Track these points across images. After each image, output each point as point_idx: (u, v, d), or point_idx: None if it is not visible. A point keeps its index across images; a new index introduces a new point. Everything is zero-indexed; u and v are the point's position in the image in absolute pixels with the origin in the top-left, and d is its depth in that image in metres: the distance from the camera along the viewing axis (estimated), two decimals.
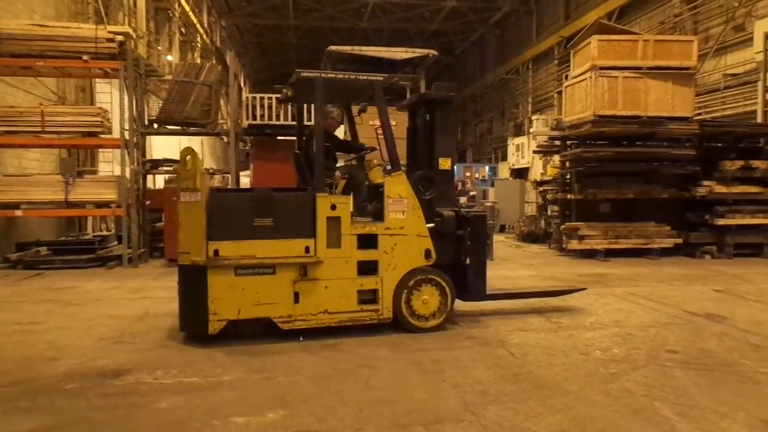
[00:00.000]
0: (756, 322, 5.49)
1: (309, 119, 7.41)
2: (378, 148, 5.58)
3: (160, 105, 10.96)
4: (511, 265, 9.74)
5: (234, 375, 4.04)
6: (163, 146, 13.95)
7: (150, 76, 11.54)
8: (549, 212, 14.39)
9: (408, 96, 11.47)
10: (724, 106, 13.67)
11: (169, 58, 20.89)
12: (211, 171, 13.88)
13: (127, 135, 9.74)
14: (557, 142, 12.33)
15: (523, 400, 3.56)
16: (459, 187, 17.23)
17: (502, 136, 27.88)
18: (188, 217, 4.73)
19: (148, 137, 11.57)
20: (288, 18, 27.54)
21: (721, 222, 10.19)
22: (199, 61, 22.85)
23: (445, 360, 4.37)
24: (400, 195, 5.14)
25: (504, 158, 24.51)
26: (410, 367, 4.21)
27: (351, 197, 5.35)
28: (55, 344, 4.82)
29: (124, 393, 3.70)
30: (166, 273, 8.91)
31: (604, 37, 10.06)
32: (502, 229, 16.75)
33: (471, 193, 18.00)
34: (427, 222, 5.24)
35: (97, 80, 12.62)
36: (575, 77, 10.78)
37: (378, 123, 5.27)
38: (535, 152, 16.75)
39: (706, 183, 10.30)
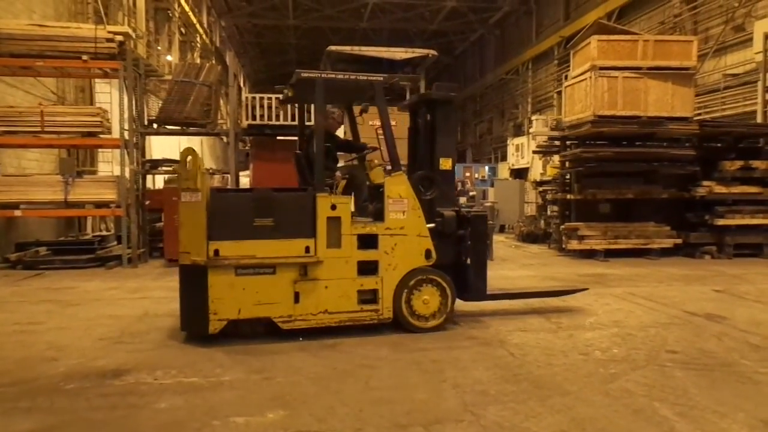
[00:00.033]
0: (756, 323, 5.49)
1: (310, 119, 7.41)
2: (379, 148, 5.59)
3: (160, 105, 10.97)
4: (510, 265, 9.75)
5: (234, 375, 4.04)
6: (163, 146, 13.95)
7: (149, 76, 11.54)
8: (548, 212, 14.40)
9: (408, 96, 11.51)
10: (724, 107, 13.68)
11: (169, 58, 20.89)
12: (210, 171, 13.87)
13: (126, 135, 9.73)
14: (557, 143, 12.33)
15: (523, 400, 3.56)
16: (458, 188, 17.24)
17: (501, 137, 27.89)
18: (189, 217, 4.74)
19: (147, 137, 11.57)
20: (288, 18, 27.54)
21: (721, 222, 10.19)
22: (198, 61, 22.85)
23: (445, 360, 4.37)
24: (400, 195, 5.14)
25: (504, 158, 24.52)
26: (410, 368, 4.21)
27: (351, 197, 5.35)
28: (54, 344, 4.82)
29: (123, 393, 3.70)
30: (165, 273, 8.91)
31: (604, 37, 10.06)
32: (501, 230, 16.75)
33: (471, 194, 18.00)
34: (428, 222, 5.24)
35: (96, 80, 12.61)
36: (575, 77, 10.78)
37: (378, 123, 5.27)
38: (534, 152, 16.76)
39: (705, 183, 10.30)
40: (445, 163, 5.42)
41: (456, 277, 5.34)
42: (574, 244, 10.41)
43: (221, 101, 14.23)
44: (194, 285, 4.73)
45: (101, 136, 9.83)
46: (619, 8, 18.11)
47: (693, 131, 10.29)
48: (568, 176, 11.66)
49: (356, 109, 6.02)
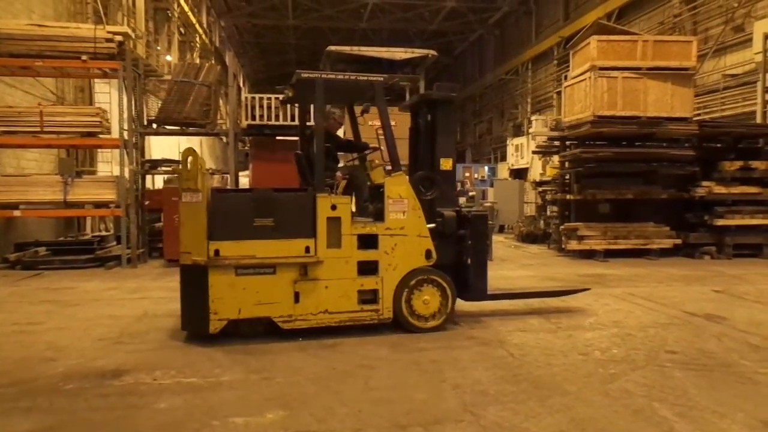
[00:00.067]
0: (755, 323, 5.49)
1: (311, 120, 7.42)
2: (380, 148, 5.59)
3: (159, 105, 10.96)
4: (510, 265, 9.75)
5: (233, 375, 4.04)
6: (162, 146, 13.95)
7: (149, 76, 11.53)
8: (548, 213, 14.41)
9: (408, 96, 11.52)
10: (724, 107, 13.68)
11: (168, 58, 20.89)
12: (210, 171, 13.86)
13: (126, 135, 9.73)
14: (556, 143, 12.33)
15: (523, 400, 3.56)
16: (458, 188, 17.22)
17: (501, 137, 27.89)
18: (189, 217, 4.75)
19: (147, 137, 11.56)
20: (287, 18, 27.54)
21: (721, 222, 10.19)
22: (198, 61, 22.84)
23: (445, 360, 4.36)
24: (400, 195, 5.15)
25: (503, 158, 24.52)
26: (410, 368, 4.21)
27: (351, 197, 5.35)
28: (53, 345, 4.81)
29: (122, 393, 3.70)
30: (165, 273, 8.91)
31: (604, 37, 10.07)
32: (501, 230, 16.75)
33: (470, 194, 17.99)
34: (428, 222, 5.24)
35: (96, 80, 12.62)
36: (574, 78, 10.78)
37: (378, 123, 5.27)
38: (534, 153, 16.76)
39: (705, 183, 10.30)
40: (446, 164, 5.42)
41: (456, 277, 5.34)
42: (573, 245, 10.41)
43: (221, 101, 14.24)
44: (195, 285, 4.74)
45: (100, 136, 9.83)
46: (618, 8, 18.11)
47: (692, 131, 10.29)
48: (567, 176, 11.66)
49: (357, 110, 6.02)
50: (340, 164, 6.05)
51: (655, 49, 9.94)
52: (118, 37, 9.49)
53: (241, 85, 33.60)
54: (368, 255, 5.07)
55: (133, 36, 11.27)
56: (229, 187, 11.01)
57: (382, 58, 11.05)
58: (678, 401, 3.54)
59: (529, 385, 3.82)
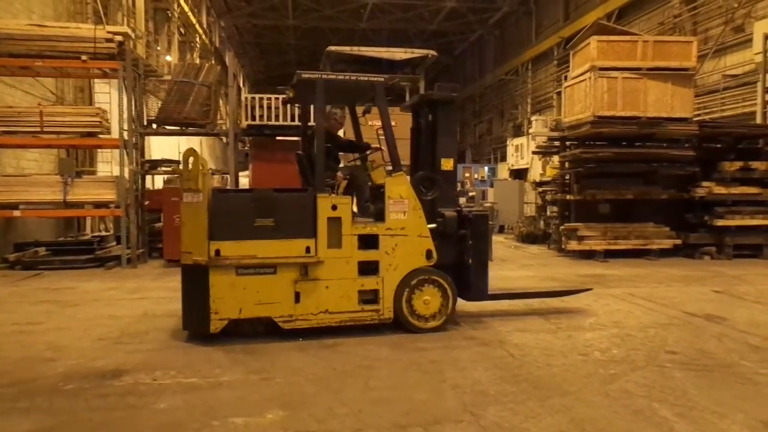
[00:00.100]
0: (755, 323, 5.49)
1: (312, 120, 7.42)
2: (380, 148, 5.60)
3: (159, 105, 10.96)
4: (510, 265, 9.75)
5: (233, 376, 4.04)
6: (162, 146, 13.96)
7: (149, 77, 11.53)
8: (548, 213, 14.40)
9: (408, 96, 11.52)
10: (724, 107, 13.68)
11: (168, 58, 20.88)
12: (211, 171, 13.86)
13: (125, 135, 9.73)
14: (556, 143, 12.33)
15: (522, 400, 3.56)
16: (458, 188, 17.21)
17: (501, 137, 27.89)
18: (190, 217, 4.76)
19: (147, 137, 11.57)
20: (287, 18, 27.54)
21: (720, 223, 10.19)
22: (198, 61, 22.84)
23: (445, 360, 4.36)
24: (401, 195, 5.15)
25: (503, 159, 24.52)
26: (410, 368, 4.21)
27: (351, 198, 5.35)
28: (53, 345, 4.81)
29: (122, 394, 3.70)
30: (165, 273, 8.91)
31: (604, 37, 10.07)
32: (501, 230, 16.75)
33: (470, 194, 18.00)
34: (429, 222, 5.24)
35: (95, 80, 12.62)
36: (574, 78, 10.78)
37: (378, 123, 5.28)
38: (534, 153, 16.76)
39: (705, 184, 10.30)
40: (447, 164, 5.42)
41: (457, 276, 5.35)
42: (573, 245, 10.41)
43: (221, 101, 14.24)
44: (196, 285, 4.75)
45: (100, 136, 9.83)
46: (618, 9, 18.12)
47: (692, 132, 10.29)
48: (567, 177, 11.66)
49: (359, 110, 6.02)
50: (342, 164, 6.05)
51: (655, 50, 9.94)
52: (118, 37, 9.49)
53: (241, 85, 33.62)
54: (369, 255, 5.07)
55: (133, 36, 11.27)
56: (229, 188, 11.01)
57: (382, 59, 11.05)
58: (678, 402, 3.54)
59: (528, 386, 3.82)
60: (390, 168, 5.35)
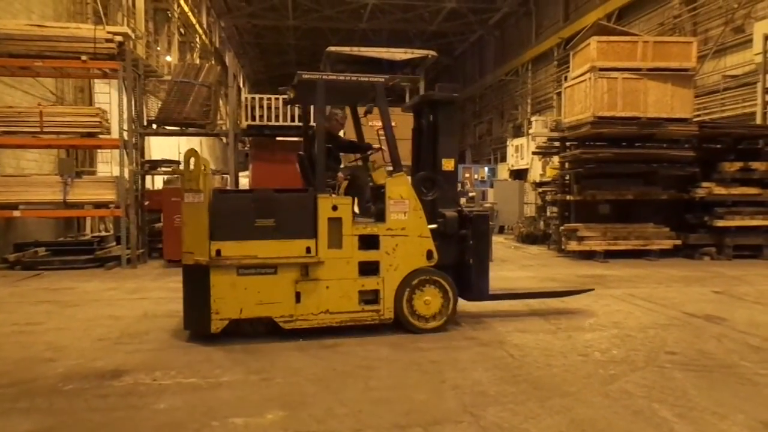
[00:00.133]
0: (755, 324, 5.49)
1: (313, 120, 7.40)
2: (381, 148, 5.60)
3: (159, 105, 10.96)
4: (510, 266, 9.75)
5: (233, 376, 4.03)
6: (162, 147, 13.96)
7: (149, 77, 11.53)
8: (548, 213, 14.40)
9: (408, 97, 11.52)
10: (724, 108, 13.69)
11: (168, 58, 20.89)
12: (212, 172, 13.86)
13: (125, 135, 9.73)
14: (556, 144, 12.33)
15: (522, 401, 3.56)
16: (458, 188, 17.18)
17: (501, 137, 27.90)
18: (191, 217, 4.78)
19: (146, 138, 11.57)
20: (287, 19, 27.54)
21: (720, 223, 10.19)
22: (198, 61, 22.85)
23: (444, 361, 4.36)
24: (401, 196, 5.15)
25: (503, 159, 24.53)
26: (410, 368, 4.21)
27: (352, 198, 5.35)
28: (53, 345, 4.81)
29: (122, 394, 3.70)
30: (164, 274, 8.91)
31: (604, 38, 10.07)
32: (501, 231, 16.75)
33: (470, 194, 18.01)
34: (431, 223, 5.25)
35: (95, 81, 12.61)
36: (574, 78, 10.79)
37: (378, 124, 5.28)
38: (534, 153, 16.76)
39: (705, 184, 10.30)
40: (448, 164, 5.42)
41: (458, 276, 5.35)
42: (573, 245, 10.41)
43: (221, 102, 14.23)
44: (197, 284, 4.76)
45: (100, 136, 9.83)
46: (618, 9, 18.13)
47: (692, 132, 10.29)
48: (567, 177, 11.66)
49: (360, 110, 6.03)
50: (343, 165, 6.05)
51: (655, 50, 9.95)
52: (118, 38, 9.49)
53: (241, 85, 33.63)
54: (369, 255, 5.08)
55: (133, 36, 11.27)
56: (229, 188, 11.01)
57: (382, 59, 11.04)
58: (678, 402, 3.54)
59: (528, 386, 3.82)
60: (391, 168, 5.36)
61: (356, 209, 5.55)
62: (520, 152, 20.76)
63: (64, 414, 3.40)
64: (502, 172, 22.93)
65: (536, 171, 18.27)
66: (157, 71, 12.88)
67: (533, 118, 21.63)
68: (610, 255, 10.22)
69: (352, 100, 6.14)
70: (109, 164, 12.71)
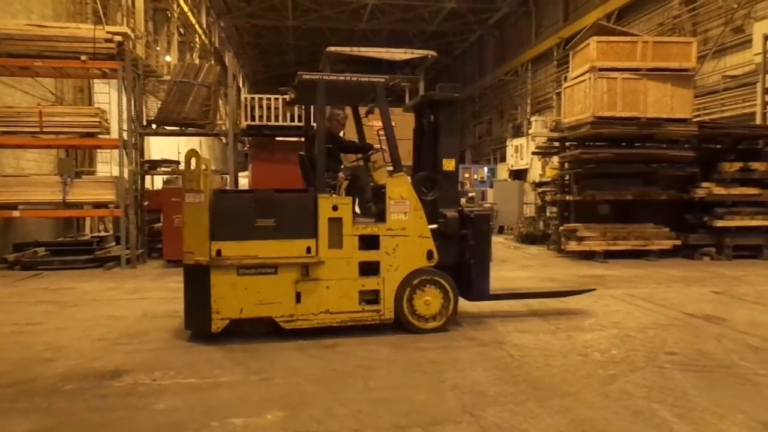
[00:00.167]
0: (755, 324, 5.49)
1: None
2: (381, 148, 5.60)
3: (159, 105, 10.95)
4: (510, 266, 9.75)
5: (232, 376, 4.03)
6: (162, 147, 13.95)
7: (148, 77, 11.53)
8: (548, 213, 14.40)
9: (407, 97, 11.52)
10: (723, 108, 13.70)
11: (168, 58, 20.89)
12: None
13: (125, 135, 9.72)
14: (556, 144, 12.34)
15: (522, 401, 3.56)
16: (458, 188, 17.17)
17: (500, 138, 27.90)
18: (192, 217, 4.79)
19: (146, 138, 11.55)
20: (287, 19, 27.55)
21: (720, 224, 10.19)
22: (197, 61, 22.84)
23: (444, 361, 4.36)
24: (401, 196, 5.16)
25: (503, 159, 24.53)
26: (409, 368, 4.21)
27: (353, 198, 5.35)
28: (52, 345, 4.80)
29: (122, 394, 3.69)
30: (164, 274, 8.90)
31: (603, 38, 10.07)
32: (500, 231, 16.76)
33: (470, 195, 18.02)
34: (431, 223, 5.25)
35: (95, 81, 12.61)
36: (574, 78, 10.79)
37: (378, 124, 5.28)
38: (533, 153, 16.77)
39: (705, 185, 10.30)
40: (448, 164, 5.42)
41: (459, 276, 5.35)
42: (573, 246, 10.41)
43: (220, 102, 14.23)
44: (197, 284, 4.77)
45: (100, 136, 9.82)
46: (618, 9, 18.14)
47: (692, 133, 10.29)
48: (567, 177, 11.66)
49: (362, 111, 6.03)
50: (343, 165, 6.05)
51: (654, 50, 9.95)
52: (118, 38, 9.48)
53: (241, 85, 33.63)
54: (370, 255, 5.08)
55: (132, 36, 11.27)
56: (229, 188, 11.00)
57: (381, 59, 11.03)
58: (677, 402, 3.54)
59: (528, 386, 3.82)
60: (391, 168, 5.36)
61: (357, 209, 5.55)
62: (520, 152, 20.76)
63: (64, 414, 3.39)
64: (502, 172, 22.93)
65: (536, 171, 18.27)
66: (156, 71, 12.88)
67: (533, 118, 21.64)
68: (609, 255, 10.22)
69: (352, 101, 6.14)
70: (108, 164, 12.71)
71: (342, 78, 5.38)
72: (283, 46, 33.29)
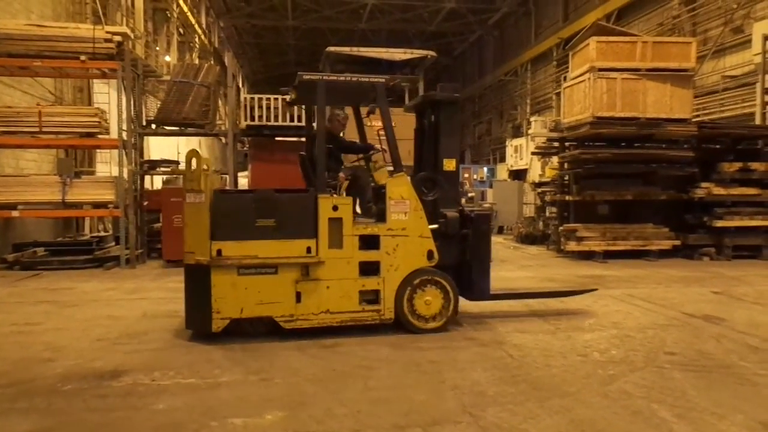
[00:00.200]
0: (754, 324, 5.49)
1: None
2: (382, 149, 5.60)
3: (158, 105, 10.95)
4: (509, 266, 9.75)
5: (232, 376, 4.03)
6: (161, 147, 13.94)
7: (148, 77, 11.53)
8: (547, 214, 14.40)
9: (407, 97, 11.52)
10: (723, 108, 13.70)
11: (167, 58, 20.88)
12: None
13: (125, 135, 9.72)
14: (556, 144, 12.34)
15: (521, 401, 3.56)
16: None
17: (500, 138, 27.91)
18: (193, 217, 4.80)
19: (145, 138, 11.55)
20: (286, 19, 27.54)
21: (720, 224, 10.19)
22: (197, 61, 22.84)
23: (444, 361, 4.36)
24: (402, 196, 5.16)
25: (502, 159, 24.54)
26: (409, 368, 4.21)
27: (353, 198, 5.36)
28: (52, 345, 4.80)
29: (121, 394, 3.69)
30: (163, 274, 8.90)
31: (603, 38, 10.08)
32: (500, 231, 16.76)
33: (469, 195, 18.02)
34: (432, 223, 5.25)
35: (94, 80, 12.60)
36: (574, 79, 10.79)
37: (378, 124, 5.28)
38: (533, 154, 16.77)
39: (704, 185, 10.31)
40: (449, 164, 5.42)
41: (459, 276, 5.35)
42: (572, 246, 10.41)
43: (220, 102, 14.23)
44: (198, 284, 4.78)
45: (99, 136, 9.82)
46: (617, 10, 18.14)
47: (692, 133, 10.30)
48: (566, 177, 11.66)
49: (363, 111, 6.03)
50: (344, 165, 6.05)
51: (654, 51, 9.95)
52: (117, 38, 9.48)
53: (240, 85, 33.61)
54: (370, 255, 5.08)
55: (132, 36, 11.27)
56: (229, 188, 10.99)
57: (381, 59, 11.03)
58: (677, 402, 3.54)
59: (527, 387, 3.82)
60: (392, 168, 5.36)
61: (358, 209, 5.55)
62: (520, 152, 20.76)
63: (63, 414, 3.39)
64: (502, 172, 22.93)
65: (535, 171, 18.28)
66: (156, 71, 12.88)
67: (532, 119, 21.64)
68: (609, 255, 10.22)
69: (353, 101, 6.14)
70: (108, 164, 12.71)
71: (342, 78, 5.38)
72: (282, 47, 33.28)
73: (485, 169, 24.55)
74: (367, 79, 5.29)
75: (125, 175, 9.64)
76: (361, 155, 6.07)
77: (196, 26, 24.19)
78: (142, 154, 10.88)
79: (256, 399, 3.62)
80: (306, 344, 4.76)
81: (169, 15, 20.80)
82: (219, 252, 4.73)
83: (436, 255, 5.21)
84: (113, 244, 10.78)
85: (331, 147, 5.51)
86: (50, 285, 7.94)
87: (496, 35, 29.82)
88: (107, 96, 12.29)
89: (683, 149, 10.61)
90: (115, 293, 7.29)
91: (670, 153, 10.55)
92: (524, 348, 4.73)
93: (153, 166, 11.24)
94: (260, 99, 10.91)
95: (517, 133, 23.00)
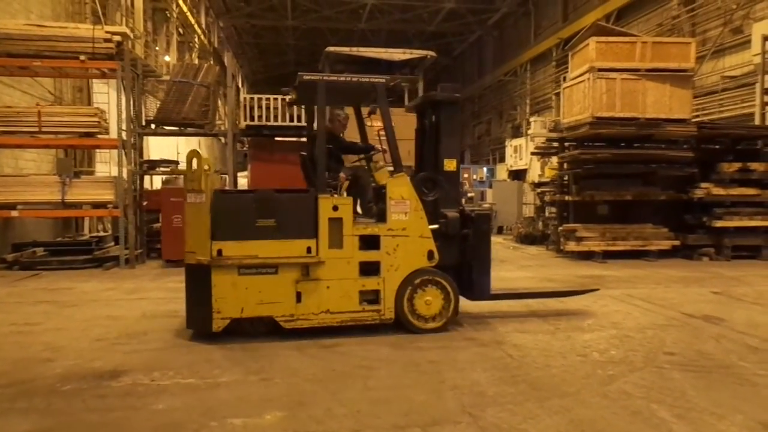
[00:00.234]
0: (754, 324, 5.49)
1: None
2: (383, 149, 5.60)
3: (158, 105, 10.95)
4: (509, 266, 9.75)
5: (231, 376, 4.03)
6: (161, 147, 13.94)
7: (147, 77, 11.52)
8: (547, 214, 14.41)
9: (406, 97, 11.52)
10: (722, 108, 13.71)
11: (167, 58, 20.87)
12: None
13: (124, 135, 9.71)
14: (555, 144, 12.35)
15: (521, 401, 3.56)
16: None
17: (500, 138, 27.91)
18: (193, 217, 4.82)
19: (145, 138, 11.55)
20: (286, 19, 27.54)
21: (719, 224, 10.20)
22: (196, 61, 22.83)
23: (444, 361, 4.36)
24: (402, 196, 5.16)
25: (502, 160, 24.54)
26: (409, 368, 4.21)
27: (353, 198, 5.36)
28: (51, 345, 4.80)
29: (120, 394, 3.69)
30: (163, 274, 8.90)
31: (602, 38, 10.08)
32: (500, 231, 16.77)
33: (469, 195, 18.02)
34: (432, 223, 5.25)
35: (94, 80, 12.60)
36: (573, 79, 10.79)
37: (379, 124, 5.28)
38: (533, 154, 16.77)
39: (703, 185, 10.31)
40: (450, 164, 5.42)
41: (460, 276, 5.35)
42: (572, 246, 10.41)
43: (219, 102, 14.23)
44: (199, 284, 4.79)
45: (99, 136, 9.81)
46: (617, 10, 18.15)
47: (691, 133, 10.30)
48: (566, 178, 11.67)
49: (364, 111, 6.03)
50: (345, 165, 6.05)
51: (653, 51, 9.96)
52: (117, 38, 9.47)
53: (240, 85, 33.60)
54: (370, 256, 5.09)
55: (131, 36, 11.26)
56: (228, 188, 10.99)
57: (380, 59, 11.03)
58: (676, 403, 3.54)
59: (527, 387, 3.82)
60: (392, 168, 5.36)
61: (359, 209, 5.55)
62: (519, 153, 20.77)
63: (62, 414, 3.39)
64: (501, 172, 22.94)
65: (535, 171, 18.28)
66: (155, 71, 12.87)
67: (532, 119, 21.65)
68: (608, 255, 10.22)
69: (353, 101, 6.15)
70: (107, 164, 12.70)
71: (343, 78, 5.38)
72: (282, 47, 33.28)
73: (485, 169, 24.55)
74: (367, 80, 5.30)
75: (125, 175, 9.63)
76: (361, 155, 6.07)
77: (196, 26, 24.19)
78: (141, 154, 10.88)
79: (256, 399, 3.62)
80: (306, 344, 4.76)
81: (168, 15, 20.79)
82: (219, 252, 4.74)
83: (436, 255, 5.21)
84: (113, 244, 10.78)
85: (332, 147, 5.51)
86: (50, 285, 7.94)
87: (496, 35, 29.83)
88: (107, 96, 12.28)
89: (683, 149, 10.61)
90: (114, 293, 7.29)
91: (670, 153, 10.56)
92: (524, 348, 4.73)
93: (152, 166, 11.24)
94: (260, 99, 10.91)
95: (517, 133, 23.01)
